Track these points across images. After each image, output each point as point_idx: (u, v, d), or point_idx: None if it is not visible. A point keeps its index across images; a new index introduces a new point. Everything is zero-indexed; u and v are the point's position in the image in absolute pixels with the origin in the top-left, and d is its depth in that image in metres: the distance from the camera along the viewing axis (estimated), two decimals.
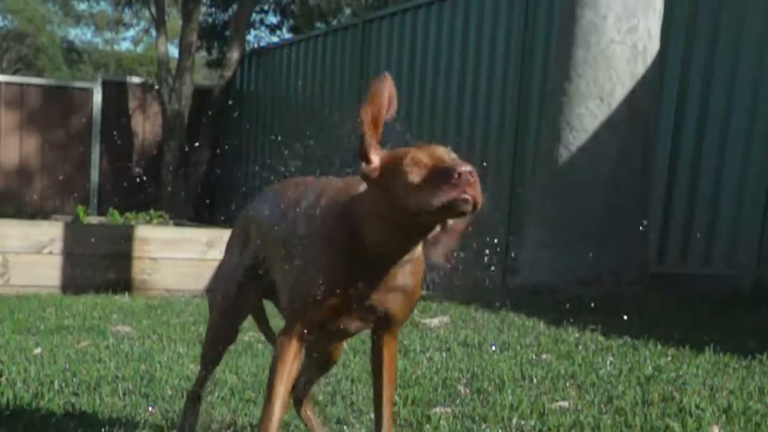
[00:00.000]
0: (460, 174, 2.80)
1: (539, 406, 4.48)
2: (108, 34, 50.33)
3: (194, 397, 3.94)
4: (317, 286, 3.12)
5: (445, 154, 2.94)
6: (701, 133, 9.94)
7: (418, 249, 3.12)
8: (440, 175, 2.83)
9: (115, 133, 19.91)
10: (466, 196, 2.81)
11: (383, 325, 3.29)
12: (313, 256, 3.17)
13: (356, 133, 3.05)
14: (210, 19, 22.80)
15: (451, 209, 2.83)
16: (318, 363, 3.91)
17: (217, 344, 3.78)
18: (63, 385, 5.04)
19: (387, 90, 3.07)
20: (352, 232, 3.07)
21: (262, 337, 5.62)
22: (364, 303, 3.16)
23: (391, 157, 2.98)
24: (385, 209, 2.96)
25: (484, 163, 12.50)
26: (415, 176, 2.87)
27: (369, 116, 3.03)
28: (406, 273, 3.17)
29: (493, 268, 11.23)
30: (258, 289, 3.65)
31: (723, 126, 9.75)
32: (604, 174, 9.04)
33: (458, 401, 4.65)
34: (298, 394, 4.00)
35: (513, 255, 10.96)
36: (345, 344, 5.97)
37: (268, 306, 3.78)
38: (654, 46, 9.20)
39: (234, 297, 3.67)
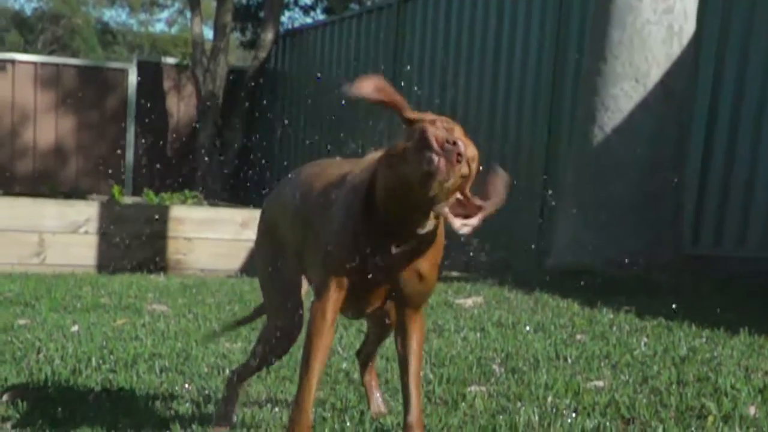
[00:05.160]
0: (447, 142, 2.84)
1: (574, 385, 4.48)
2: (142, 16, 50.54)
3: (240, 383, 3.93)
4: (338, 250, 3.17)
5: (459, 132, 2.98)
6: (736, 114, 9.89)
7: (435, 228, 3.16)
8: (436, 138, 2.88)
9: (150, 113, 19.99)
10: (435, 160, 2.84)
11: (399, 300, 3.31)
12: (333, 223, 3.22)
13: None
14: (244, 0, 22.84)
15: (414, 166, 2.88)
16: (379, 325, 3.93)
17: (283, 342, 3.73)
18: (100, 362, 5.09)
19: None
20: (369, 200, 3.12)
21: None
22: (379, 273, 3.19)
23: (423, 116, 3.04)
24: (394, 170, 3.01)
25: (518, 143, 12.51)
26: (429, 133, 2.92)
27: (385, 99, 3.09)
28: (421, 251, 3.19)
29: (526, 249, 11.23)
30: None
31: (759, 107, 9.69)
32: (639, 155, 9.02)
33: (493, 380, 4.67)
34: (363, 359, 4.04)
35: (547, 236, 10.96)
36: None
37: None
38: (690, 27, 9.15)
39: (291, 294, 3.67)
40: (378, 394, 4.05)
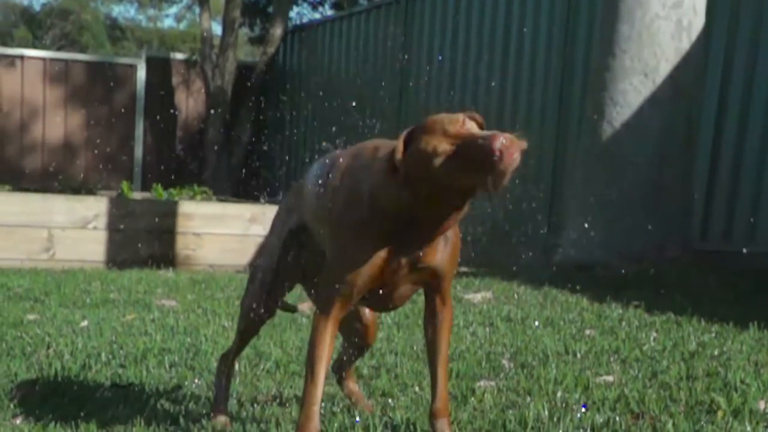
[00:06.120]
0: (499, 151, 2.80)
1: (583, 380, 4.48)
2: (151, 11, 50.49)
3: (226, 366, 3.95)
4: (364, 254, 3.12)
5: (470, 126, 2.94)
6: (746, 109, 9.87)
7: None
8: (477, 157, 2.83)
9: (158, 109, 19.98)
10: (504, 168, 2.80)
11: (433, 281, 3.28)
12: (356, 224, 3.16)
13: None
14: None
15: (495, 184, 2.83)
16: (353, 344, 3.94)
17: (254, 317, 3.77)
18: (110, 357, 5.10)
19: None
20: (393, 196, 3.04)
21: (306, 312, 5.69)
22: (412, 264, 3.17)
23: (417, 139, 2.96)
24: (423, 186, 2.94)
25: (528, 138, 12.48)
26: (446, 158, 2.87)
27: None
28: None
29: (535, 243, 11.22)
30: (298, 268, 3.66)
31: None
32: (648, 150, 9.01)
33: (502, 375, 4.67)
34: (340, 373, 4.04)
35: (556, 231, 10.95)
36: (389, 318, 6.01)
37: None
38: (699, 22, 9.13)
39: (276, 271, 3.67)
40: (364, 400, 4.07)
